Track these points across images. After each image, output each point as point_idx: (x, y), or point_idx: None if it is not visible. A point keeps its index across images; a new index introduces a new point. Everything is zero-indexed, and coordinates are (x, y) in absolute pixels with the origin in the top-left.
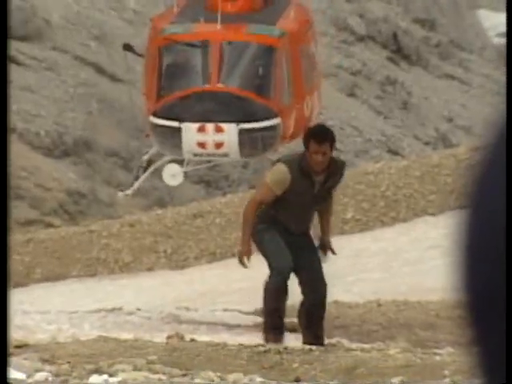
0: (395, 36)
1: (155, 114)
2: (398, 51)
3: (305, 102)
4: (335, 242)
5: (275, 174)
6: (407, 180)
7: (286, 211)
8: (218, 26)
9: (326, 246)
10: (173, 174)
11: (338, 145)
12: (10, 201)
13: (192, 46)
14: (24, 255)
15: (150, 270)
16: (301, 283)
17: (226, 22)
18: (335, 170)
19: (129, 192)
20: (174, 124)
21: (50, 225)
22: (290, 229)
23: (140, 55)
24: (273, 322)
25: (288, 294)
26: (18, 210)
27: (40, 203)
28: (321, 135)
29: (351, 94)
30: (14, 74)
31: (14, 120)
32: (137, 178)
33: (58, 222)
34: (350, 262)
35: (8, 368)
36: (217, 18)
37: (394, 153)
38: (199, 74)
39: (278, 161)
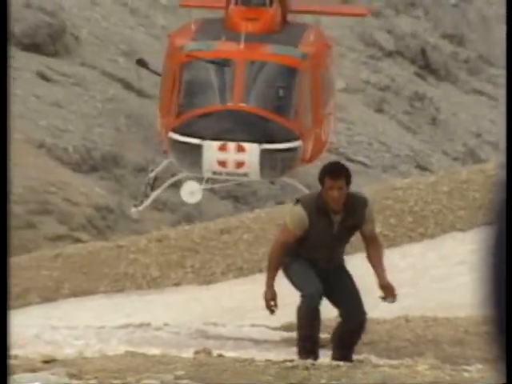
0: (423, 51)
1: (175, 130)
2: (426, 66)
3: (322, 127)
4: (362, 257)
5: (293, 216)
6: (435, 195)
7: (310, 250)
8: (242, 45)
9: (388, 290)
10: (191, 192)
11: (366, 160)
12: (39, 216)
13: (215, 63)
14: (52, 270)
15: (177, 285)
16: (339, 310)
17: (249, 41)
18: (354, 207)
19: (141, 208)
20: (196, 141)
21: (78, 240)
22: (318, 265)
23: (153, 71)
24: (307, 348)
25: (321, 319)
26: (46, 226)
27: (68, 218)
28: (335, 171)
29: (379, 110)
30: (43, 89)
31: (43, 135)
32: (145, 196)
33: (86, 237)
34: None
35: (8, 371)
36: (238, 37)
37: (422, 168)
38: (221, 92)
39: (298, 201)
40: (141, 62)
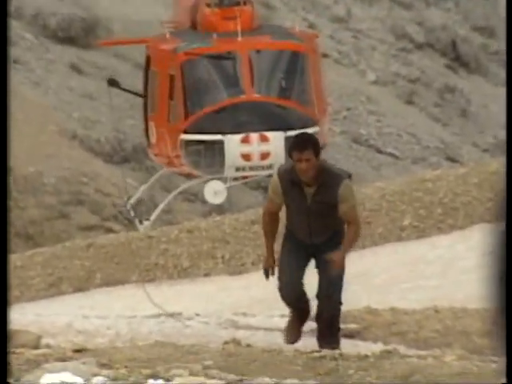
0: (454, 44)
1: (188, 131)
2: (456, 59)
3: (325, 117)
4: (392, 248)
5: (270, 184)
6: (465, 187)
7: (293, 222)
8: (239, 38)
9: (333, 260)
10: (215, 192)
11: (395, 152)
12: (71, 206)
13: (219, 58)
14: (84, 260)
15: (207, 275)
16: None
17: (243, 36)
18: (328, 183)
19: (148, 223)
20: (216, 137)
21: (109, 230)
22: (304, 240)
23: (125, 89)
24: (295, 319)
25: (305, 301)
26: (78, 216)
27: (100, 209)
28: (301, 143)
29: (409, 102)
30: (76, 81)
31: (75, 126)
32: (134, 219)
33: (117, 227)
34: (406, 269)
35: (8, 369)
36: (229, 35)
37: (452, 160)
38: (229, 85)
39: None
40: (112, 82)
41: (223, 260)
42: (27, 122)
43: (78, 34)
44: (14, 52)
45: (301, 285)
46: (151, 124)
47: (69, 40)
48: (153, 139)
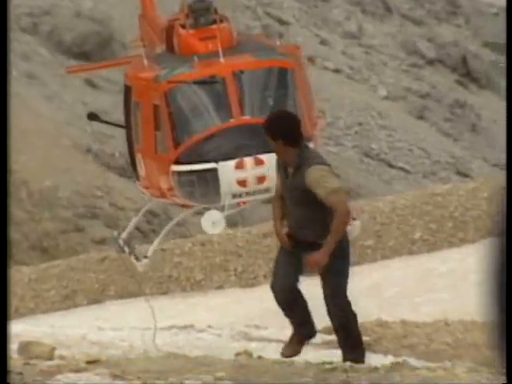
0: (464, 59)
1: (179, 162)
2: (467, 74)
3: (316, 131)
4: (403, 261)
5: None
6: (475, 201)
7: (283, 207)
8: (222, 59)
9: (309, 263)
10: (213, 222)
11: (406, 166)
12: (86, 220)
13: (203, 82)
14: (99, 273)
15: (220, 288)
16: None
17: (224, 56)
18: (302, 167)
19: (146, 260)
20: (209, 165)
21: None
22: (296, 237)
23: (106, 122)
24: (294, 328)
25: (299, 304)
26: (93, 229)
27: (114, 222)
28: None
29: (420, 117)
30: (90, 96)
31: (90, 141)
32: (130, 255)
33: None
34: (417, 283)
35: (8, 368)
36: (207, 57)
37: (462, 174)
38: (217, 110)
39: None
40: (92, 116)
41: (236, 273)
42: (41, 136)
43: (92, 49)
44: (28, 67)
45: (292, 284)
46: (138, 156)
47: (84, 55)
48: (141, 172)
